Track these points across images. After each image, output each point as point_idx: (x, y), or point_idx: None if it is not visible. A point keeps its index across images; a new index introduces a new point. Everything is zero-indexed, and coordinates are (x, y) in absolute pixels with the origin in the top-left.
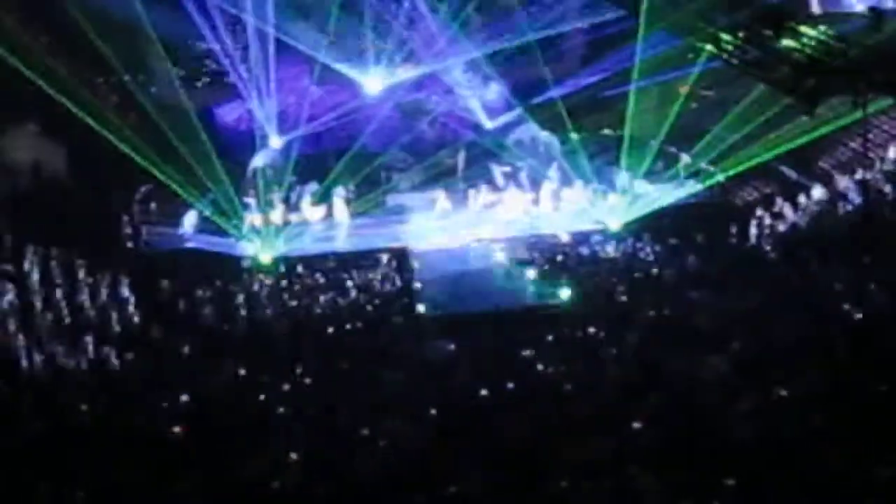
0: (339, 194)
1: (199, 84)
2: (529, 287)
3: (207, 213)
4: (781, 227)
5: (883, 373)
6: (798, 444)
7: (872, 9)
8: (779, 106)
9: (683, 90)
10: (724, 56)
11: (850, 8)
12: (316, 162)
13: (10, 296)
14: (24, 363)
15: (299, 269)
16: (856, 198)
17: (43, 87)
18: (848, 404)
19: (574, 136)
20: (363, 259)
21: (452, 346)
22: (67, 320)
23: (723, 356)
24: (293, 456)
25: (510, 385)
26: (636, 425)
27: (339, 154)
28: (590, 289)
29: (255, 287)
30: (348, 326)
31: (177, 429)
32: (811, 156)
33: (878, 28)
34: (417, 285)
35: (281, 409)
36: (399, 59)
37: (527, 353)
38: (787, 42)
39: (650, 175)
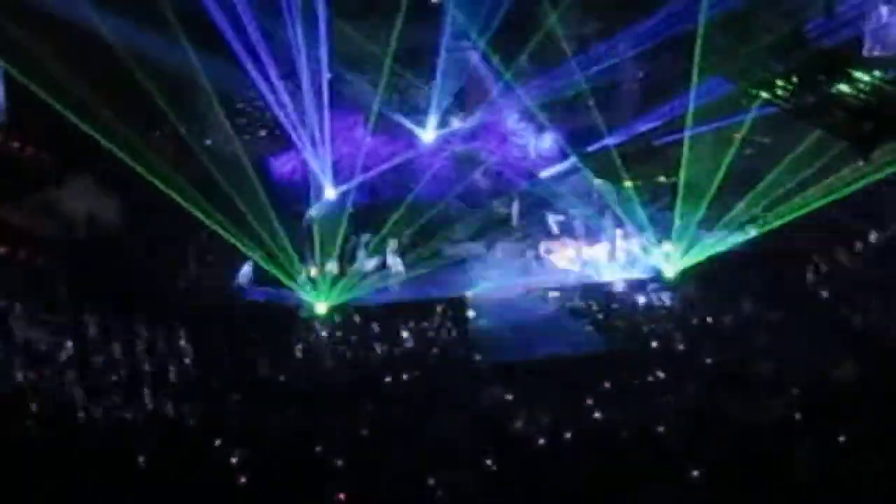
0: (393, 244)
1: (253, 135)
2: (585, 335)
3: (263, 264)
4: (839, 272)
5: None
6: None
7: None
8: (834, 151)
9: (738, 136)
10: (779, 102)
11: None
12: (371, 212)
13: (67, 348)
14: (82, 415)
15: (355, 319)
16: None
17: (98, 139)
18: None
19: (628, 183)
20: (419, 308)
21: (509, 395)
22: (124, 372)
23: (783, 401)
24: None
25: (567, 434)
26: (695, 473)
27: (393, 204)
28: (645, 336)
29: (311, 338)
30: (405, 376)
31: (242, 479)
32: (868, 200)
33: None
34: (473, 334)
35: (338, 460)
36: (453, 109)
37: (584, 400)
38: (841, 87)
39: (705, 222)
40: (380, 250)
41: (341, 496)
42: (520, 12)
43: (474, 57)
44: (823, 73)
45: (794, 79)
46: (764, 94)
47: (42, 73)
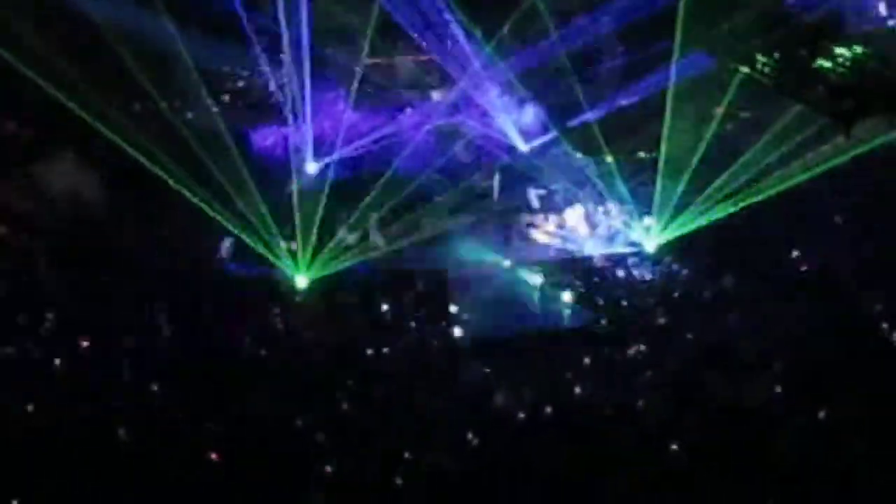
0: (374, 218)
1: (234, 109)
2: (565, 310)
3: (243, 238)
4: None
5: None
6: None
7: None
8: (815, 127)
9: (719, 111)
10: (760, 77)
11: (884, 24)
12: (352, 186)
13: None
14: (62, 389)
15: (335, 293)
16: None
17: (79, 115)
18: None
19: (609, 158)
20: (399, 283)
21: (489, 371)
22: (104, 347)
23: (764, 377)
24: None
25: (548, 409)
26: (674, 448)
27: (375, 178)
28: (626, 311)
29: (292, 312)
30: (385, 350)
31: (214, 455)
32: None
33: None
34: (454, 308)
35: (319, 435)
36: (434, 82)
37: (564, 376)
38: (822, 62)
39: (686, 196)
40: (360, 224)
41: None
42: None
43: (457, 30)
44: (804, 49)
45: (776, 54)
46: (745, 70)
47: (20, 48)
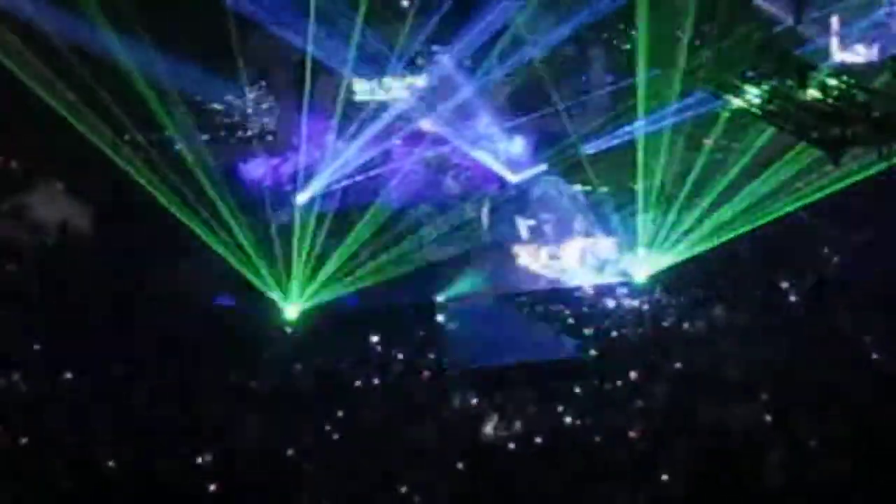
0: (365, 249)
1: (224, 141)
2: (555, 340)
3: (233, 268)
4: (809, 277)
5: None
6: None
7: (893, 58)
8: (804, 156)
9: (707, 142)
10: (749, 107)
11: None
12: (341, 217)
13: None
14: (48, 418)
15: (325, 323)
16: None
17: (69, 146)
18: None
19: (599, 189)
20: (388, 313)
21: (480, 401)
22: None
23: (752, 406)
24: None
25: (538, 439)
26: (665, 477)
27: (364, 209)
28: (615, 341)
29: (282, 342)
30: (376, 381)
31: (205, 485)
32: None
33: None
34: (443, 339)
35: (309, 464)
36: (424, 114)
37: (554, 405)
38: (811, 92)
39: (674, 227)
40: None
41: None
42: (492, 19)
43: (446, 61)
44: (793, 79)
45: (764, 84)
46: (735, 100)
47: (9, 80)
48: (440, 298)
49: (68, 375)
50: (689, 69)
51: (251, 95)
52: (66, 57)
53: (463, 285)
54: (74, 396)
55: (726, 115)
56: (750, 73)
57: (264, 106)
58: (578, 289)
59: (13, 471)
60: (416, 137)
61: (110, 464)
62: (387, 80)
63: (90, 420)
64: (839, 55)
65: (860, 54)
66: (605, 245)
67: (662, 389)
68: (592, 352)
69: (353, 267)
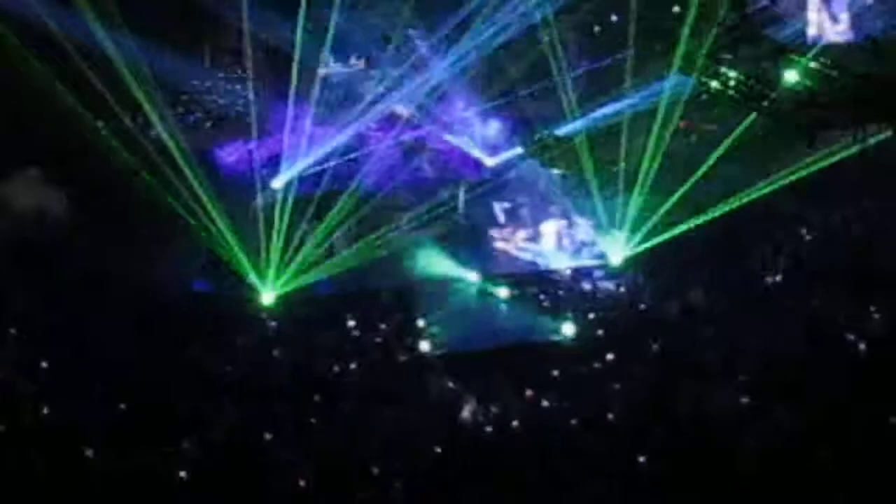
0: (340, 234)
1: (199, 125)
2: (532, 323)
3: (209, 254)
4: (783, 259)
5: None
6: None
7: (871, 40)
8: (780, 139)
9: (682, 124)
10: (725, 89)
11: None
12: (317, 202)
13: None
14: (29, 408)
15: (302, 309)
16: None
17: (43, 132)
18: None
19: (575, 171)
20: (366, 298)
21: (457, 385)
22: (72, 367)
23: (730, 389)
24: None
25: (515, 423)
26: (642, 460)
27: (340, 193)
28: (592, 324)
29: (258, 328)
30: (352, 366)
31: (182, 473)
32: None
33: (876, 59)
34: (420, 323)
35: (286, 451)
36: (398, 97)
37: (531, 389)
38: (787, 74)
39: (651, 209)
40: (326, 240)
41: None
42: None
43: (421, 44)
44: (770, 62)
45: (741, 66)
46: (711, 83)
47: None
48: (417, 282)
49: (44, 364)
50: (665, 51)
51: (225, 79)
52: (38, 42)
53: (440, 269)
54: (50, 384)
55: (703, 97)
56: (725, 56)
57: (239, 90)
58: (555, 272)
59: None
60: (392, 121)
61: (87, 452)
62: (362, 64)
63: (66, 408)
64: (815, 35)
65: (837, 34)
66: (582, 228)
67: (640, 372)
68: (569, 335)
69: (330, 251)
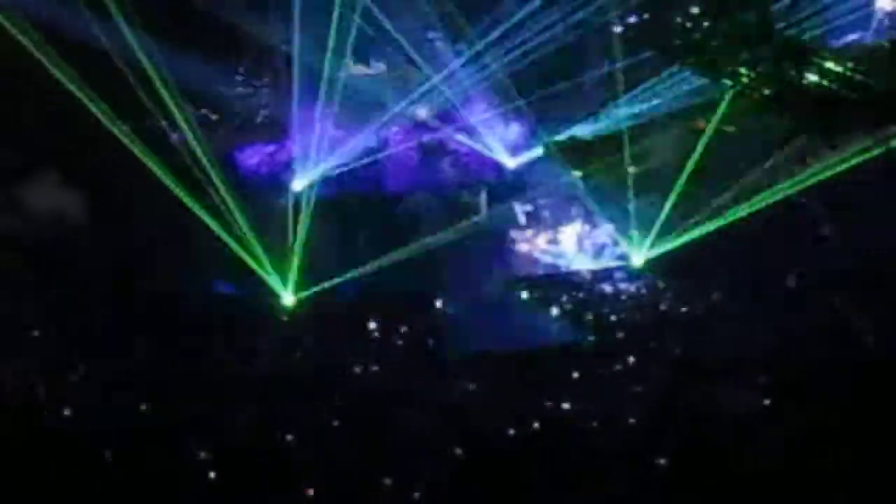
0: (362, 236)
1: (220, 128)
2: (553, 325)
3: (231, 256)
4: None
5: None
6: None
7: (893, 41)
8: (801, 140)
9: (703, 126)
10: (746, 90)
11: (866, 38)
12: (338, 204)
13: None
14: (48, 412)
15: (323, 311)
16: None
17: (63, 134)
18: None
19: (596, 174)
20: (388, 300)
21: (478, 387)
22: (91, 368)
23: (748, 391)
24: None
25: (535, 424)
26: (661, 461)
27: (361, 195)
28: (613, 326)
29: (279, 330)
30: (374, 368)
31: (202, 475)
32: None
33: None
34: (441, 324)
35: (308, 452)
36: (420, 99)
37: (552, 391)
38: (809, 76)
39: (673, 211)
40: (349, 241)
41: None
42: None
43: (442, 46)
44: (791, 63)
45: (761, 68)
46: (732, 84)
47: (3, 67)
48: (438, 284)
49: (63, 366)
50: (686, 53)
51: (247, 82)
52: (59, 46)
53: (460, 271)
54: (70, 387)
55: (724, 99)
56: (746, 57)
57: (260, 93)
58: (576, 274)
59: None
60: (413, 124)
61: (106, 454)
62: (383, 67)
63: (85, 410)
64: (836, 36)
65: (858, 35)
66: (602, 230)
67: (660, 375)
68: (590, 337)
69: (351, 254)
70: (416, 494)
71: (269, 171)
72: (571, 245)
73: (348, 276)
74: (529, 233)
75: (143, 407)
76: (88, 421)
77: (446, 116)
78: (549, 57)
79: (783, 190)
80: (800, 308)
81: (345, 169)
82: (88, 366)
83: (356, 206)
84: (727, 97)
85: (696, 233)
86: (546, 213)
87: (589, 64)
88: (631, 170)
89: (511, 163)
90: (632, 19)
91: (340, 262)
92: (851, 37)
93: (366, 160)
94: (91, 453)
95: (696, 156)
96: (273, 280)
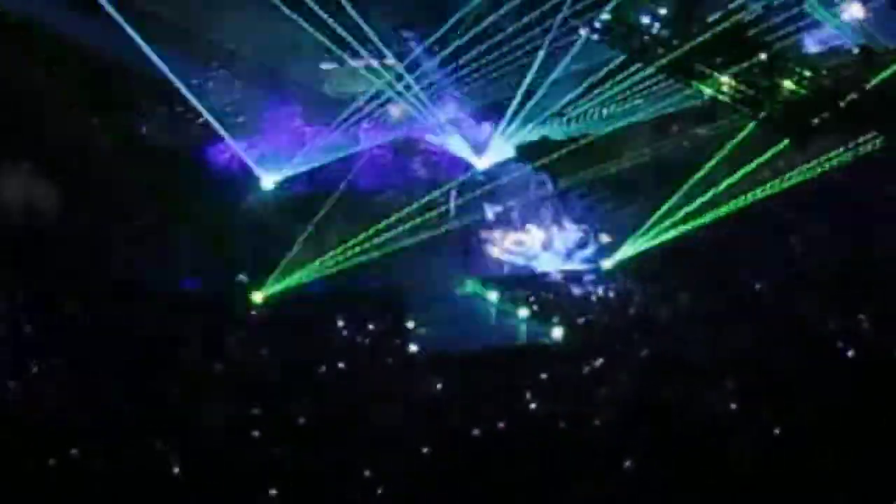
0: (332, 233)
1: (190, 124)
2: (521, 326)
3: (200, 252)
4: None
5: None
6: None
7: (863, 48)
8: (771, 144)
9: (674, 129)
10: (717, 94)
11: (842, 46)
12: (308, 201)
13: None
14: (11, 405)
15: (291, 308)
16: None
17: (33, 126)
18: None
19: (567, 175)
20: (356, 298)
21: (445, 387)
22: (57, 363)
23: (718, 393)
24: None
25: (502, 424)
26: (629, 464)
27: (331, 193)
28: (582, 327)
29: (248, 328)
30: (341, 366)
31: (171, 472)
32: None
33: (868, 67)
34: (409, 324)
35: (275, 449)
36: (392, 98)
37: (519, 392)
38: (781, 81)
39: (642, 213)
40: (317, 239)
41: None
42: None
43: (416, 46)
44: (763, 68)
45: (734, 71)
46: (703, 87)
47: None
48: (407, 283)
49: (30, 363)
50: (658, 56)
51: (217, 77)
52: (27, 37)
53: (430, 270)
54: (37, 383)
55: (696, 103)
56: (719, 61)
57: (230, 89)
58: (545, 275)
59: None
60: (384, 122)
61: (73, 452)
62: (355, 65)
63: (53, 407)
64: (808, 42)
65: (829, 41)
66: (572, 231)
67: (628, 376)
68: (559, 338)
69: (320, 251)
70: (384, 493)
71: (240, 167)
72: (541, 246)
73: (317, 273)
74: (499, 233)
75: (109, 404)
76: (53, 419)
77: (418, 115)
78: (521, 57)
79: (753, 194)
80: (769, 311)
81: (315, 166)
82: (53, 362)
83: (326, 204)
84: (700, 101)
85: (665, 235)
86: (516, 214)
87: (560, 64)
88: (601, 172)
89: (481, 163)
90: (602, 19)
91: (309, 259)
92: (823, 43)
93: (336, 158)
94: (56, 452)
95: (665, 158)
96: (242, 276)
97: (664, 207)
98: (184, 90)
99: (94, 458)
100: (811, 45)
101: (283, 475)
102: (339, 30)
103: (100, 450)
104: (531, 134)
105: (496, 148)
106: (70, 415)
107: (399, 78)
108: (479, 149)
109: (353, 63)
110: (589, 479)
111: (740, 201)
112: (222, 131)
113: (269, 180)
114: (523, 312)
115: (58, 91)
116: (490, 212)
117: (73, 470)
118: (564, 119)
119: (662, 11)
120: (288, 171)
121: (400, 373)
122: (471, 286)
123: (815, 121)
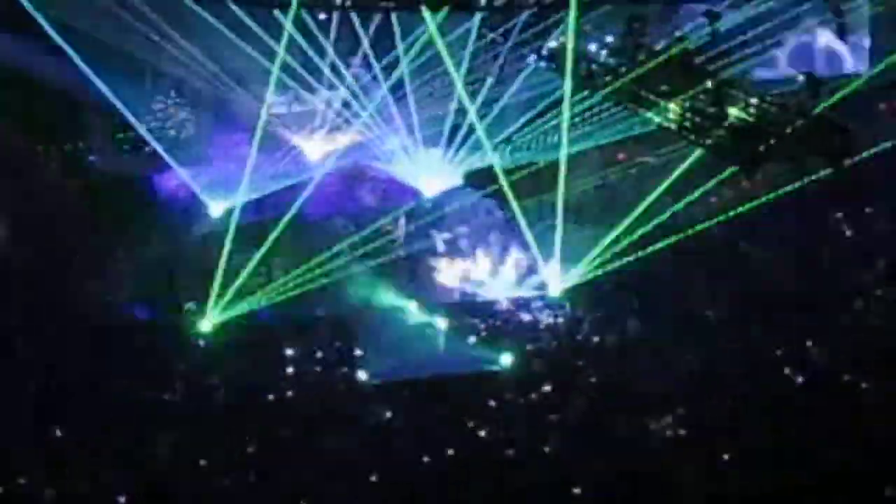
0: (280, 261)
1: (138, 152)
2: (470, 353)
3: (148, 280)
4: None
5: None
6: None
7: (809, 75)
8: (719, 172)
9: (621, 157)
10: (665, 122)
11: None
12: (256, 228)
13: None
14: None
15: (240, 336)
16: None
17: None
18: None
19: (515, 202)
20: (304, 326)
21: (393, 413)
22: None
23: (667, 420)
24: None
25: (451, 451)
26: (578, 491)
27: (279, 220)
28: (531, 355)
29: (196, 356)
30: (290, 394)
31: (121, 499)
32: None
33: (814, 94)
34: (358, 352)
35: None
36: (340, 125)
37: (468, 419)
38: (728, 108)
39: (590, 241)
40: (265, 267)
41: None
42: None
43: (364, 74)
44: (710, 94)
45: (680, 99)
46: (651, 115)
47: None
48: (355, 311)
49: None
50: (605, 84)
51: (165, 106)
52: None
53: (378, 298)
54: None
55: (644, 130)
56: (666, 89)
57: (179, 117)
58: (494, 302)
59: None
60: (333, 150)
61: (21, 480)
62: (303, 93)
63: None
64: (755, 70)
65: (776, 69)
66: (520, 259)
67: (577, 403)
68: (508, 365)
69: (268, 279)
70: None
71: (188, 194)
72: (489, 273)
73: (265, 301)
74: (447, 260)
75: (57, 432)
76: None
77: (366, 143)
78: (468, 84)
79: (701, 221)
80: (718, 338)
81: (264, 194)
82: (1, 389)
83: (274, 231)
84: (647, 128)
85: (614, 263)
86: (464, 242)
87: (507, 92)
88: (549, 199)
89: (430, 190)
90: (550, 47)
91: (258, 287)
92: (768, 70)
93: (285, 185)
94: (2, 482)
95: (613, 186)
96: (190, 305)
97: (612, 234)
98: (131, 118)
99: (40, 489)
100: (758, 73)
101: (232, 502)
102: (288, 58)
103: (46, 479)
104: (479, 161)
105: (444, 175)
106: (16, 445)
107: (347, 106)
108: (427, 176)
109: (302, 91)
110: None
111: (688, 228)
112: (170, 159)
113: (217, 208)
114: (472, 340)
115: (8, 118)
116: (438, 239)
117: (20, 500)
118: (512, 146)
119: (609, 39)
120: (236, 199)
121: (349, 400)
122: (419, 314)
123: (762, 148)
